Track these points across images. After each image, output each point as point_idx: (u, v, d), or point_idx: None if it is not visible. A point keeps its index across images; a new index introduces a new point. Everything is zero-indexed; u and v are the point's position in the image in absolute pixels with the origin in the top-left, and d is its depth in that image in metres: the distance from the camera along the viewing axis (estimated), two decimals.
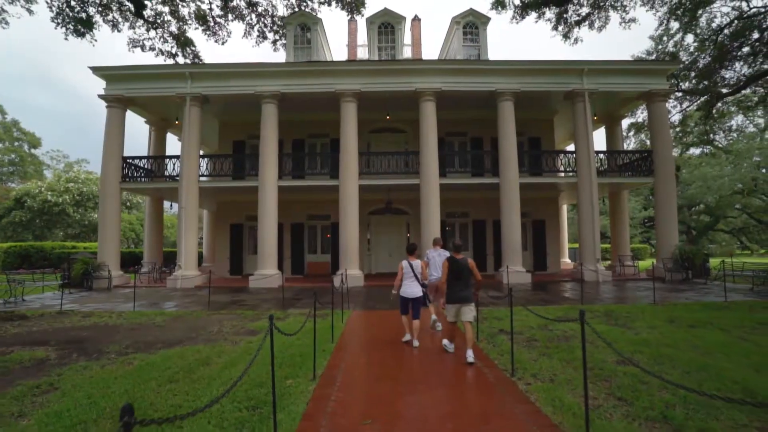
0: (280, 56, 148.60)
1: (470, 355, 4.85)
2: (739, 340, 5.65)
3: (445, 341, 5.53)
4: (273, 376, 3.10)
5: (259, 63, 14.55)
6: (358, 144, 14.62)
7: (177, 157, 15.36)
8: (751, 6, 15.14)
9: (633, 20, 15.81)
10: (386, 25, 16.74)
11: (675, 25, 17.62)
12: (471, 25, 16.22)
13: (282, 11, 22.27)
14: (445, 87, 14.46)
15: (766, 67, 15.70)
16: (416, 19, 18.65)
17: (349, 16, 16.68)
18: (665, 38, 18.21)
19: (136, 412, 3.29)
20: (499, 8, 15.21)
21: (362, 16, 16.18)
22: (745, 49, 15.88)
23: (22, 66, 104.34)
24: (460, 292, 5.16)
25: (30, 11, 16.21)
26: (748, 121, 35.28)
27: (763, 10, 14.75)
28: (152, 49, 17.40)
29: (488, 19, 16.10)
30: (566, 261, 21.96)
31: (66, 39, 16.24)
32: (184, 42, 17.41)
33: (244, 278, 16.47)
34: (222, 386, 4.04)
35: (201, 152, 15.71)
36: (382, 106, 16.26)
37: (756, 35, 15.37)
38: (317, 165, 17.07)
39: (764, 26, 14.91)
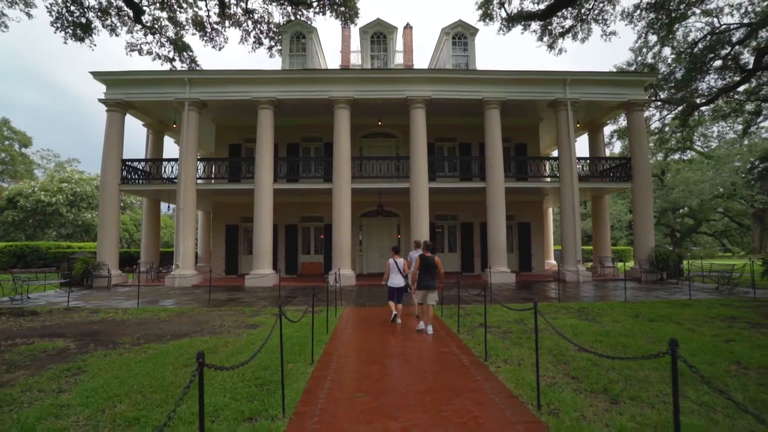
0: (275, 62, 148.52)
1: (424, 327, 6.70)
2: (688, 332, 6.37)
3: (420, 324, 6.88)
4: (282, 355, 3.71)
5: (255, 70, 15.09)
6: (350, 148, 15.23)
7: (175, 160, 15.83)
8: (721, 23, 16.06)
9: (613, 33, 16.64)
10: (379, 35, 17.38)
11: (653, 38, 18.52)
12: (460, 35, 16.93)
13: (278, 18, 22.74)
14: (435, 95, 15.12)
15: (737, 79, 16.63)
16: (408, 27, 19.30)
17: (343, 25, 17.37)
18: (644, 50, 19.10)
19: (159, 391, 3.90)
20: (487, 20, 15.96)
21: (356, 25, 16.87)
22: (717, 63, 16.83)
23: (6, 61, 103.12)
24: (426, 282, 6.78)
25: (29, 15, 16.61)
26: (728, 128, 36.62)
27: (732, 26, 15.68)
28: (150, 53, 17.90)
29: (476, 30, 16.81)
30: (551, 262, 22.76)
31: (65, 43, 16.65)
32: (181, 47, 17.95)
33: (239, 278, 16.97)
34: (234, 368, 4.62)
35: (198, 155, 16.16)
36: (375, 112, 16.88)
37: (726, 50, 16.31)
38: (311, 168, 17.65)
39: (733, 41, 15.84)
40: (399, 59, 19.95)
